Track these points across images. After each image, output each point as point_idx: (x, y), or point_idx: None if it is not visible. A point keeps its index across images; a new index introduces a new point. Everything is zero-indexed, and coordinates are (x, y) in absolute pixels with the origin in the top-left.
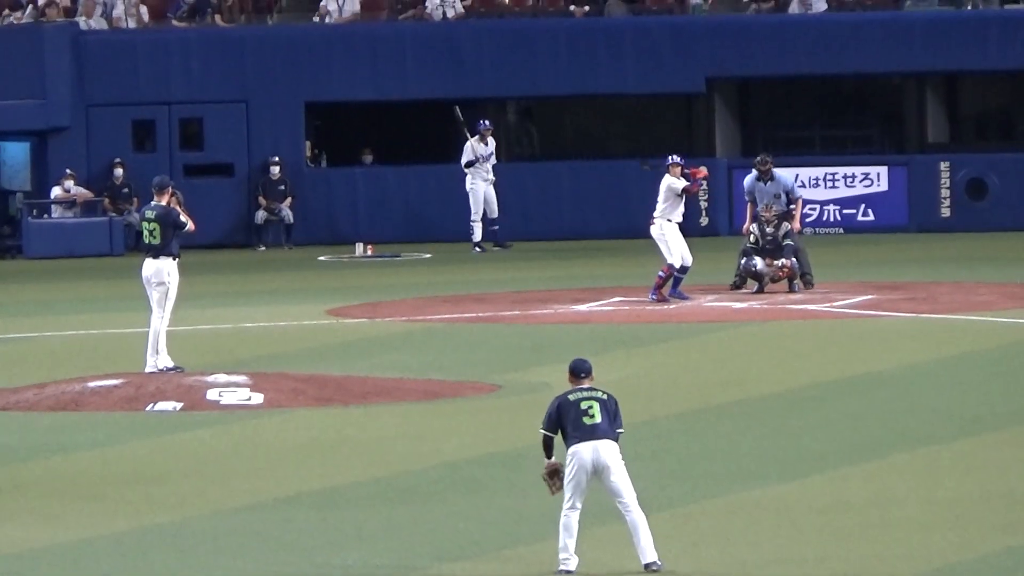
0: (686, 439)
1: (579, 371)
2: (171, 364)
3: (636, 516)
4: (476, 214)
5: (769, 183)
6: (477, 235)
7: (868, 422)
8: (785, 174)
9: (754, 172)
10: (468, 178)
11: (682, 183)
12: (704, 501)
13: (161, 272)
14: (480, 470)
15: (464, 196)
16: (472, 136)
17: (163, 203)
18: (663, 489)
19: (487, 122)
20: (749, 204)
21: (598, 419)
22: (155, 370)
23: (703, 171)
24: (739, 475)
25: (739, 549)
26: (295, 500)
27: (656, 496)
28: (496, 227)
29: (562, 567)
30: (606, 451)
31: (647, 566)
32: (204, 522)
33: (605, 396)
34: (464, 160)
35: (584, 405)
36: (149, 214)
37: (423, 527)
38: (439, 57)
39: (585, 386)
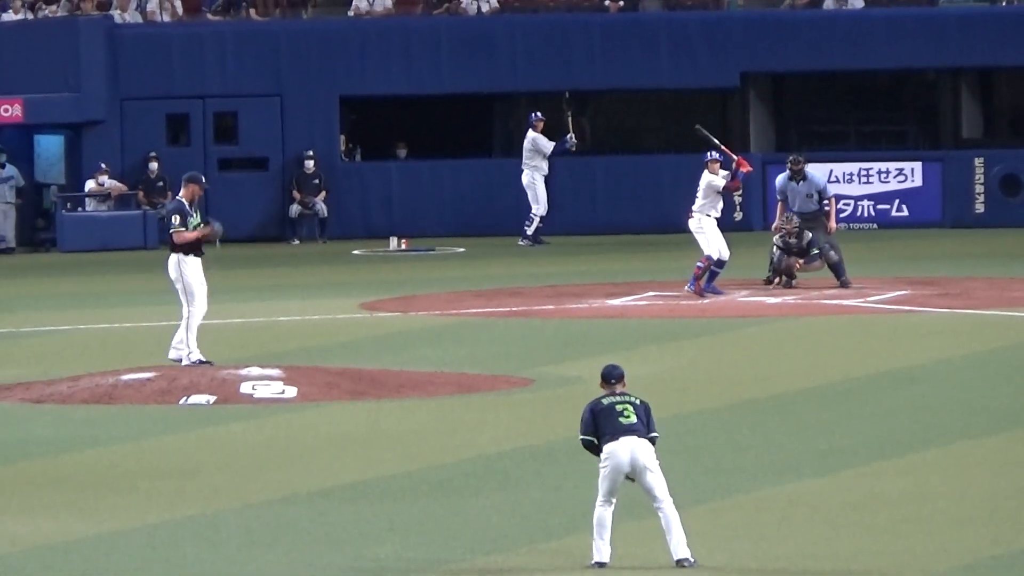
0: (719, 434)
1: (611, 377)
2: (201, 358)
3: (669, 513)
4: (539, 208)
5: (801, 183)
6: (532, 229)
7: (901, 417)
8: (818, 174)
9: (787, 172)
10: (529, 172)
11: (722, 181)
12: (737, 496)
13: (168, 267)
14: (513, 464)
15: (498, 190)
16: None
17: (181, 198)
18: (695, 484)
19: (539, 113)
20: (780, 203)
21: (633, 419)
22: (188, 362)
23: (748, 166)
24: (772, 470)
25: (772, 544)
26: (328, 493)
27: (689, 491)
28: (542, 224)
29: (595, 559)
30: (642, 452)
31: (679, 562)
32: (236, 515)
33: (638, 401)
34: (551, 150)
35: (619, 407)
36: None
37: (456, 520)
38: (473, 51)
39: (618, 391)
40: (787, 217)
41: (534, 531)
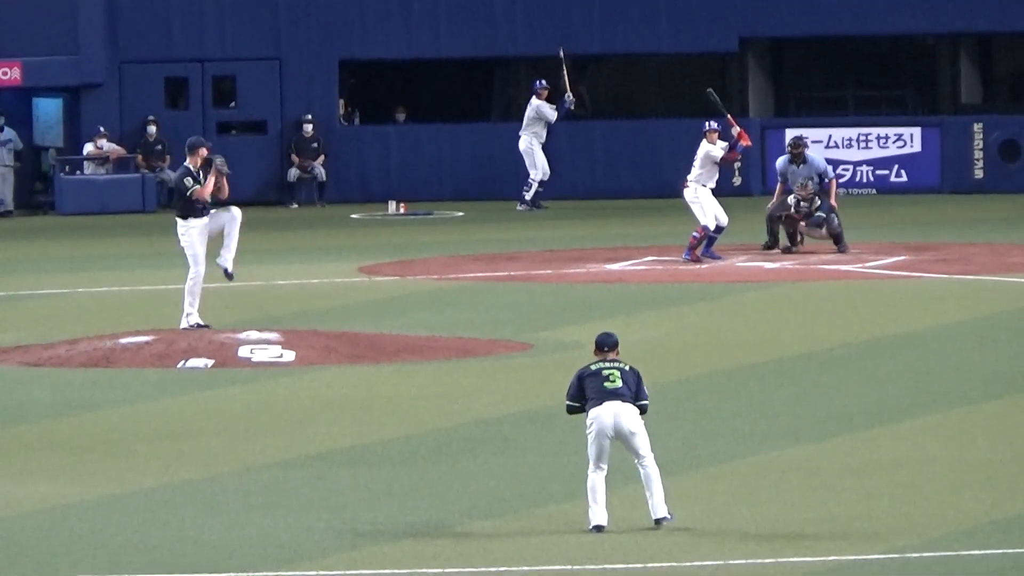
0: (717, 399)
1: (604, 345)
2: (200, 321)
3: (651, 471)
4: (537, 173)
5: (802, 166)
6: (530, 194)
7: (899, 382)
8: (817, 157)
9: (787, 155)
10: (527, 138)
11: (720, 152)
12: (735, 461)
13: (177, 234)
14: (511, 428)
15: (496, 154)
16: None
17: (188, 164)
18: (693, 449)
19: (543, 81)
20: (780, 185)
21: (618, 384)
22: (187, 325)
23: (748, 140)
24: (770, 435)
25: (770, 508)
26: (326, 457)
27: (687, 455)
28: (542, 188)
29: (593, 523)
30: (627, 416)
31: (657, 521)
32: (234, 479)
33: (627, 367)
34: (555, 118)
35: (605, 372)
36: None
37: (454, 485)
38: (473, 15)
39: (610, 358)
40: (801, 183)
41: (533, 496)
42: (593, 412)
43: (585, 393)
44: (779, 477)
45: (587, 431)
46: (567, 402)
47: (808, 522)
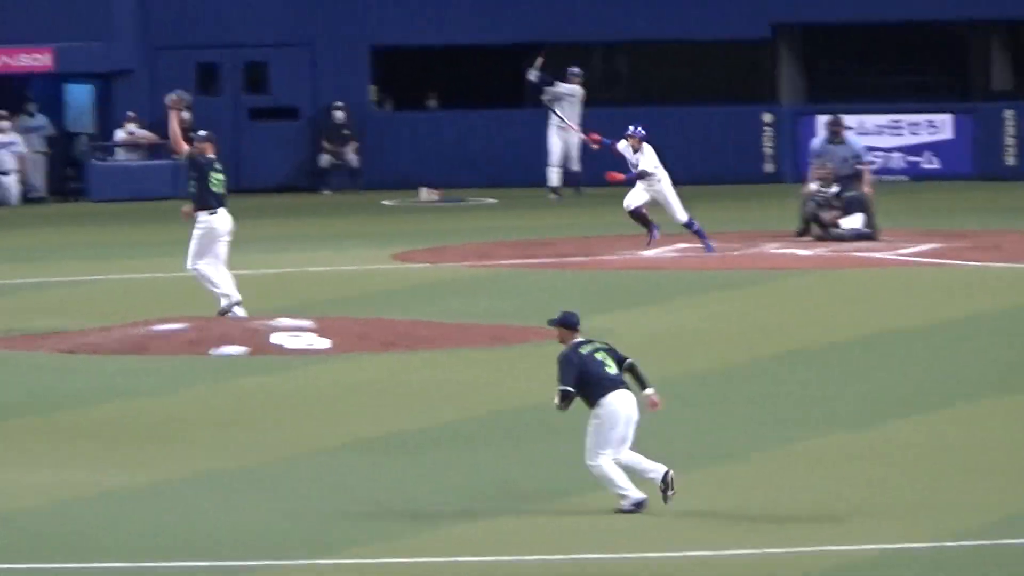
0: (750, 387)
1: (576, 324)
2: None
3: (632, 452)
4: (552, 158)
5: (840, 146)
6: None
7: (932, 371)
8: (856, 139)
9: (824, 134)
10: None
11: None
12: (768, 449)
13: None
14: (546, 416)
15: (529, 141)
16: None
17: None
18: (727, 438)
19: (576, 68)
20: (813, 166)
21: (615, 369)
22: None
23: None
24: (805, 422)
25: (802, 495)
26: (359, 445)
27: (718, 445)
28: (563, 175)
29: (635, 499)
30: (635, 405)
31: (664, 475)
32: (265, 468)
33: (606, 346)
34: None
35: (599, 357)
36: (217, 166)
37: (487, 473)
38: (505, 1)
39: (582, 339)
40: (820, 162)
41: (568, 484)
42: (606, 400)
43: (588, 377)
44: (812, 465)
45: (604, 413)
46: (566, 388)
47: (839, 510)
